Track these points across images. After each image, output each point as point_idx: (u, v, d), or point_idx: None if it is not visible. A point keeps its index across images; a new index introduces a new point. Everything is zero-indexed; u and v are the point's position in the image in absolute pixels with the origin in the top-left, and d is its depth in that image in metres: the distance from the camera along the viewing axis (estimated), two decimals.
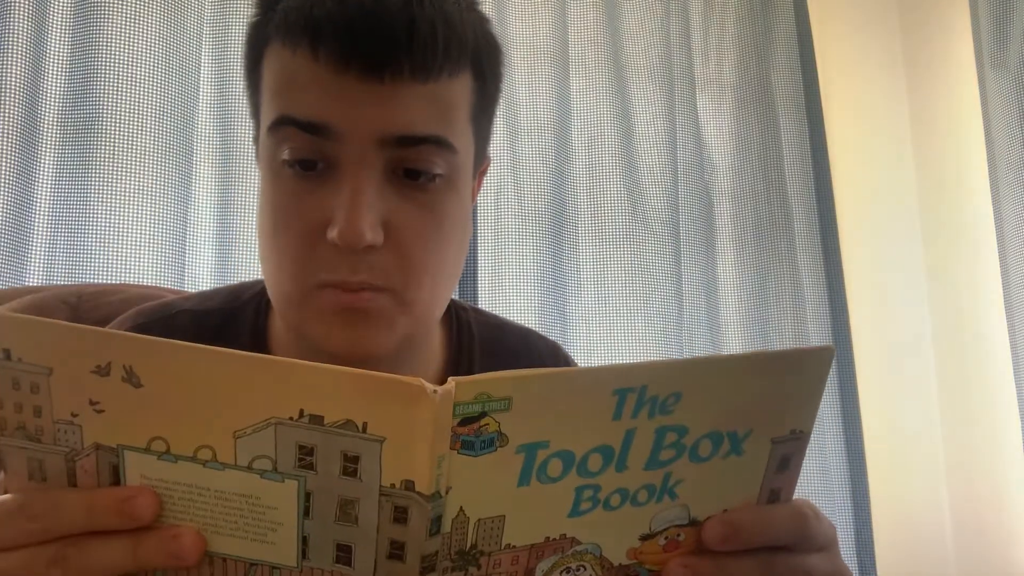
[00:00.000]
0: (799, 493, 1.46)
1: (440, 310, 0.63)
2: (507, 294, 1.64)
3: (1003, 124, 1.67)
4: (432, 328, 0.66)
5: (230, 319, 0.69)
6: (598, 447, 0.39)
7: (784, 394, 0.41)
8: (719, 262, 1.80)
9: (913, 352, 1.94)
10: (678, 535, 0.42)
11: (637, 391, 0.38)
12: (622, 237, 1.72)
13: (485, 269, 1.63)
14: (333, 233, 0.53)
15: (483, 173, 0.67)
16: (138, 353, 0.36)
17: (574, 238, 1.69)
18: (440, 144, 0.55)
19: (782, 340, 1.78)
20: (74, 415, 0.37)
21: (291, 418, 0.35)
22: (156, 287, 1.14)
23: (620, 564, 0.42)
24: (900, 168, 2.01)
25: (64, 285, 1.07)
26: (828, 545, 0.44)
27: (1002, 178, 1.67)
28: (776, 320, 1.79)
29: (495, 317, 0.78)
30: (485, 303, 1.62)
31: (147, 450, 0.37)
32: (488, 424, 0.36)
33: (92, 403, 0.36)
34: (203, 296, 0.73)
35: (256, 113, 0.60)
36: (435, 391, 0.34)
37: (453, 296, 0.67)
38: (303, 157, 0.55)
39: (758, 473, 0.42)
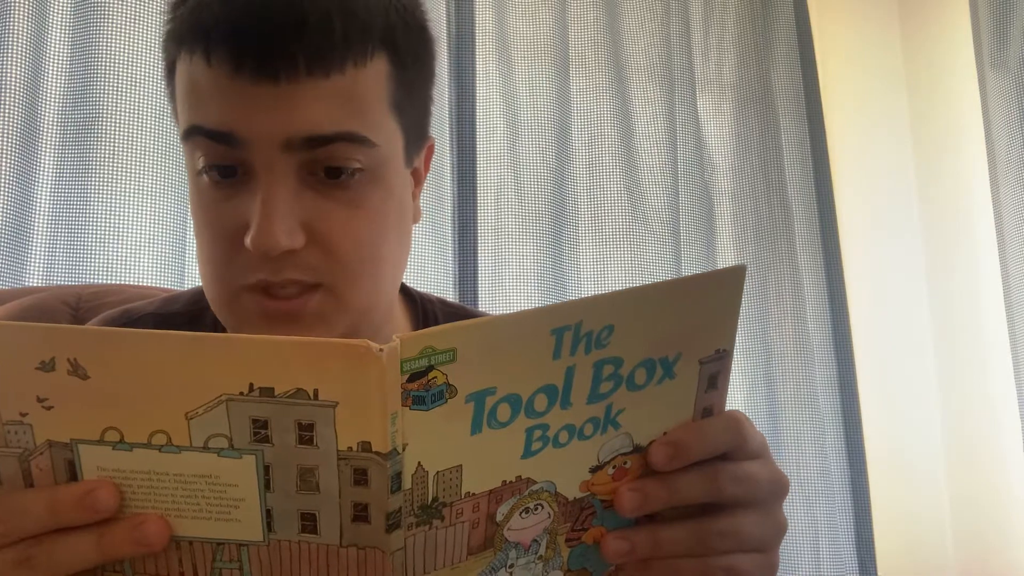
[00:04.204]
0: (799, 492, 1.46)
1: (386, 301, 0.62)
2: (507, 294, 1.64)
3: (1003, 124, 1.67)
4: (383, 320, 0.65)
5: (194, 322, 0.69)
6: (542, 387, 0.40)
7: (706, 315, 0.42)
8: (719, 262, 1.80)
9: (913, 352, 1.94)
10: (625, 463, 0.43)
11: (573, 328, 0.39)
12: (622, 237, 1.72)
13: (485, 269, 1.64)
14: (247, 241, 0.52)
15: (428, 155, 0.66)
16: (81, 344, 0.35)
17: (574, 238, 1.69)
18: (353, 140, 0.53)
19: (783, 340, 1.78)
20: (23, 414, 0.36)
21: (241, 393, 0.35)
22: (155, 287, 1.14)
23: (575, 498, 0.43)
24: (900, 168, 2.01)
25: (64, 286, 1.07)
26: (762, 452, 0.46)
27: (1002, 178, 1.67)
28: (776, 320, 1.79)
29: (463, 308, 0.78)
30: (485, 303, 1.62)
31: (101, 441, 0.37)
32: (436, 377, 0.36)
33: (40, 400, 0.36)
34: (167, 300, 0.73)
35: (177, 118, 0.59)
36: (380, 349, 0.35)
37: (428, 290, 0.66)
38: (217, 163, 0.54)
39: (691, 394, 0.44)
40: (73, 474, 0.38)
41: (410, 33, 0.58)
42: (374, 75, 0.55)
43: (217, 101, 0.52)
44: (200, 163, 0.54)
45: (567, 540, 0.45)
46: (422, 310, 0.73)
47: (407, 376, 0.36)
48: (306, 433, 0.36)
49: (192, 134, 0.54)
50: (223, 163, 0.54)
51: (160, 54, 0.59)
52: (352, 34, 0.53)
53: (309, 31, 0.51)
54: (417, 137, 0.62)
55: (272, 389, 0.35)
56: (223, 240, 0.55)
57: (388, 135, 0.56)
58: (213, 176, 0.54)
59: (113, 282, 1.30)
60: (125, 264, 1.34)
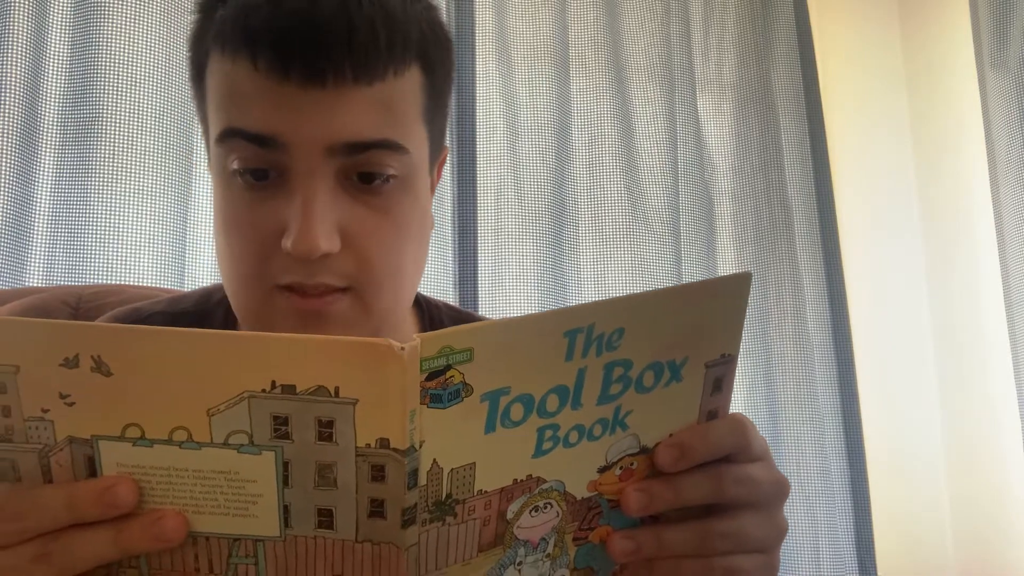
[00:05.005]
0: (799, 492, 1.46)
1: (404, 307, 0.63)
2: (507, 294, 1.64)
3: (1003, 124, 1.67)
4: (397, 324, 0.66)
5: (202, 321, 0.70)
6: (554, 388, 0.40)
7: (712, 320, 0.43)
8: (719, 262, 1.80)
9: (913, 352, 1.94)
10: (631, 463, 0.44)
11: (585, 331, 0.39)
12: (622, 237, 1.72)
13: (485, 269, 1.64)
14: (287, 244, 0.53)
15: (441, 164, 0.67)
16: (106, 342, 0.36)
17: (574, 238, 1.69)
18: (391, 147, 0.54)
19: (783, 340, 1.78)
20: (45, 410, 0.37)
21: (263, 390, 0.36)
22: (156, 287, 1.14)
23: (582, 498, 0.44)
24: (900, 168, 2.01)
25: (64, 286, 1.07)
26: (765, 456, 0.47)
27: (1002, 178, 1.67)
28: (776, 320, 1.79)
29: (468, 314, 0.79)
30: (485, 303, 1.62)
31: (122, 438, 0.37)
32: (453, 376, 0.37)
33: (62, 396, 0.36)
34: (175, 299, 0.73)
35: (204, 120, 0.59)
36: (402, 348, 0.35)
37: (442, 297, 0.67)
38: (253, 167, 0.54)
39: (696, 397, 0.45)
40: (92, 470, 0.38)
41: (439, 45, 0.59)
42: (410, 84, 0.56)
43: (261, 105, 0.53)
44: (234, 165, 0.54)
45: (574, 539, 0.45)
46: (428, 315, 0.74)
47: (426, 375, 0.36)
48: (326, 430, 0.37)
49: (229, 136, 0.54)
50: (260, 167, 0.54)
51: (187, 54, 0.59)
52: (394, 43, 0.54)
53: (358, 38, 0.52)
54: (438, 146, 0.63)
55: (294, 387, 0.36)
56: (256, 242, 0.55)
57: (418, 143, 0.58)
58: (247, 179, 0.54)
59: (113, 282, 1.30)
60: (125, 264, 1.34)
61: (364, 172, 0.55)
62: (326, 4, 0.51)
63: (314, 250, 0.52)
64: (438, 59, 0.59)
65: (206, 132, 0.59)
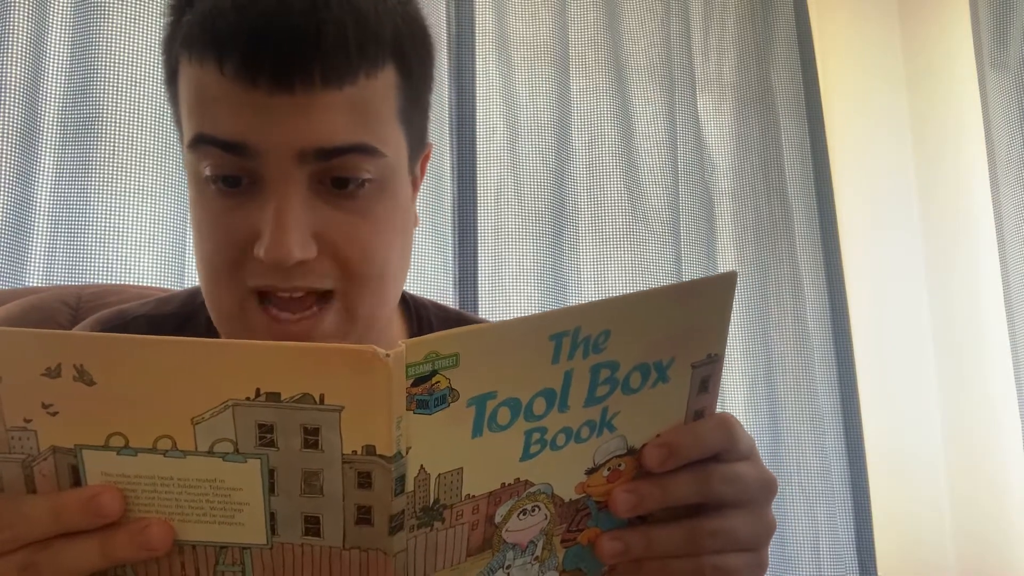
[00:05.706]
0: (799, 491, 1.47)
1: (389, 308, 0.62)
2: (507, 294, 1.64)
3: (1003, 124, 1.67)
4: (383, 326, 0.65)
5: (186, 322, 0.69)
6: (541, 391, 0.40)
7: (698, 321, 0.43)
8: (719, 262, 1.80)
9: (913, 352, 1.94)
10: (619, 465, 0.44)
11: (571, 334, 0.39)
12: (622, 237, 1.72)
13: (485, 269, 1.63)
14: (260, 251, 0.52)
15: (425, 161, 0.66)
16: (88, 351, 0.36)
17: (574, 238, 1.69)
18: (364, 151, 0.53)
19: (783, 340, 1.78)
20: (27, 420, 0.36)
21: (248, 398, 0.36)
22: (156, 287, 1.14)
23: (571, 500, 0.44)
24: (900, 168, 2.01)
25: (64, 286, 1.07)
26: (752, 454, 0.47)
27: (1002, 178, 1.67)
28: (776, 319, 1.79)
29: (456, 313, 0.78)
30: (485, 303, 1.62)
31: (106, 447, 0.37)
32: (439, 382, 0.37)
33: (45, 406, 0.36)
34: (160, 301, 0.73)
35: (178, 124, 0.58)
36: (387, 355, 0.35)
37: (441, 297, 0.67)
38: (224, 174, 0.53)
39: (683, 397, 0.45)
40: (77, 480, 0.38)
41: (416, 42, 0.58)
42: (384, 85, 0.55)
43: (229, 111, 0.52)
44: (207, 171, 0.54)
45: (563, 541, 0.45)
46: (416, 315, 0.73)
47: (411, 381, 0.36)
48: (311, 437, 0.37)
49: (200, 143, 0.53)
50: (232, 173, 0.53)
51: (160, 56, 0.59)
52: (365, 45, 0.53)
53: (326, 42, 0.51)
54: (419, 145, 0.62)
55: (279, 394, 0.36)
56: (230, 249, 0.54)
57: (395, 145, 0.57)
58: (220, 186, 0.54)
59: (113, 282, 1.30)
60: (125, 264, 1.34)
61: (338, 177, 0.54)
62: (294, 7, 0.50)
63: (287, 258, 0.51)
64: (415, 56, 0.57)
65: (180, 136, 0.58)
